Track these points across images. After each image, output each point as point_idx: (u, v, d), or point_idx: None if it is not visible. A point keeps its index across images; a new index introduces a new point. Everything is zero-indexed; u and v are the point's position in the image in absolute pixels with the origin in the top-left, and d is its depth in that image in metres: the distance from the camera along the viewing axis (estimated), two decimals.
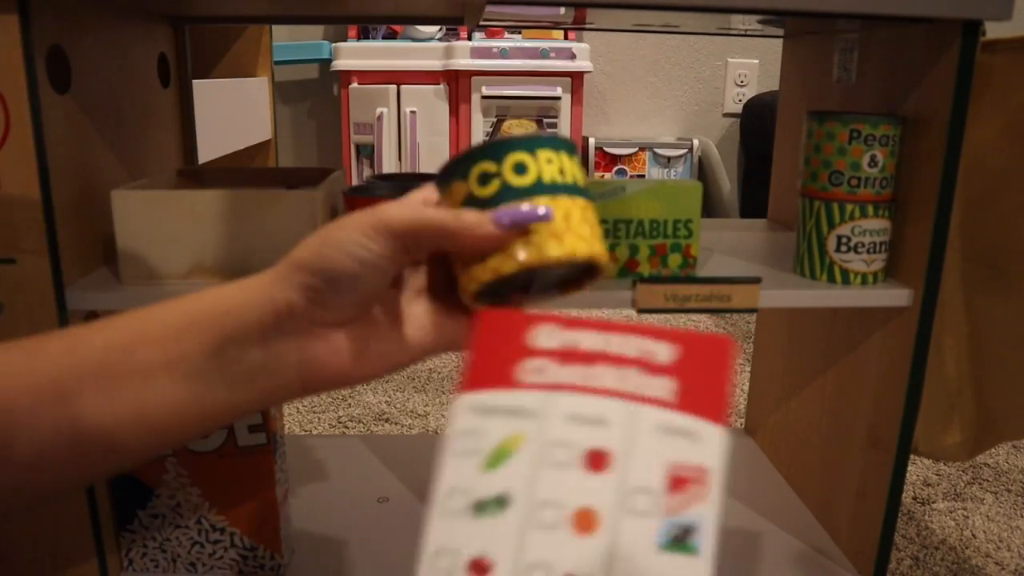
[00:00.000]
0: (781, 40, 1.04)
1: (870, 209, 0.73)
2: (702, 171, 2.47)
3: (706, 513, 0.30)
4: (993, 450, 1.38)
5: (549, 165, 0.41)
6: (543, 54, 2.15)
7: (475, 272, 0.40)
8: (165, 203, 0.70)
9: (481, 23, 0.88)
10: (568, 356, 0.35)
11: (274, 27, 2.26)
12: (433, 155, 2.20)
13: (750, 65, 2.61)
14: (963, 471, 1.31)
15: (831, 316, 0.90)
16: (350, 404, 1.53)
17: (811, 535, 0.91)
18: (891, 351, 0.78)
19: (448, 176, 0.42)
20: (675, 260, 0.75)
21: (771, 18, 0.76)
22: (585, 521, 0.30)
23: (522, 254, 0.39)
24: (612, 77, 2.59)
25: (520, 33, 2.26)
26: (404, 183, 0.82)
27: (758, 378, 1.13)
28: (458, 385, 0.35)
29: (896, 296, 0.74)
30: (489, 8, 0.68)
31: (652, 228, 0.74)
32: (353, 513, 0.92)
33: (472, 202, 0.41)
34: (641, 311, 0.71)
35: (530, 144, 0.41)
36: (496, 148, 0.41)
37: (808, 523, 0.94)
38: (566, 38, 2.27)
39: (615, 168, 2.38)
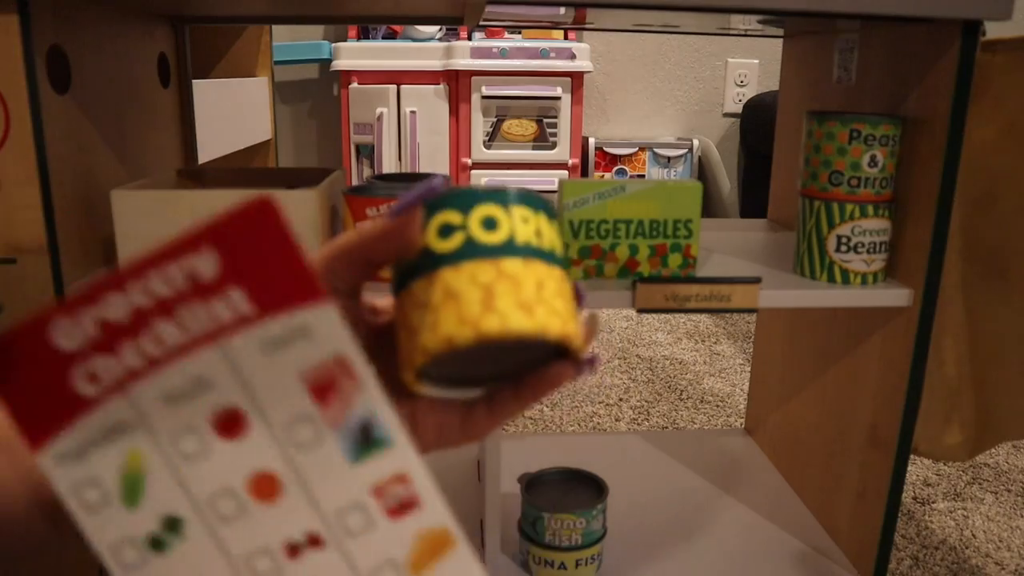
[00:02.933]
0: (781, 40, 1.04)
1: (870, 209, 0.73)
2: (702, 171, 2.47)
3: (370, 403, 0.27)
4: (993, 450, 1.38)
5: (524, 225, 0.36)
6: (543, 54, 2.15)
7: (423, 342, 0.33)
8: (165, 203, 0.70)
9: (481, 23, 0.87)
10: (108, 339, 0.26)
11: (274, 27, 2.26)
12: (433, 155, 2.20)
13: (750, 65, 2.61)
14: (963, 471, 1.31)
15: (831, 316, 0.90)
16: None
17: (811, 535, 0.91)
18: (891, 351, 0.78)
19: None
20: (675, 260, 0.75)
21: (771, 18, 0.76)
22: (265, 487, 0.27)
23: (482, 322, 0.32)
24: (612, 77, 2.59)
25: (520, 33, 2.26)
26: (404, 183, 0.82)
27: (758, 378, 1.13)
28: (30, 449, 0.27)
29: (896, 296, 0.74)
30: (489, 8, 0.68)
31: (652, 228, 0.74)
32: None
33: (427, 257, 0.35)
34: (641, 311, 0.71)
35: (504, 198, 0.36)
36: (464, 197, 0.36)
37: (808, 523, 0.94)
38: (566, 38, 2.27)
39: (615, 168, 2.38)
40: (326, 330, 0.26)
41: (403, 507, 0.27)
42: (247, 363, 0.26)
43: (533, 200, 0.37)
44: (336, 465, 0.27)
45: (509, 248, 0.35)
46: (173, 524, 0.27)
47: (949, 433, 0.80)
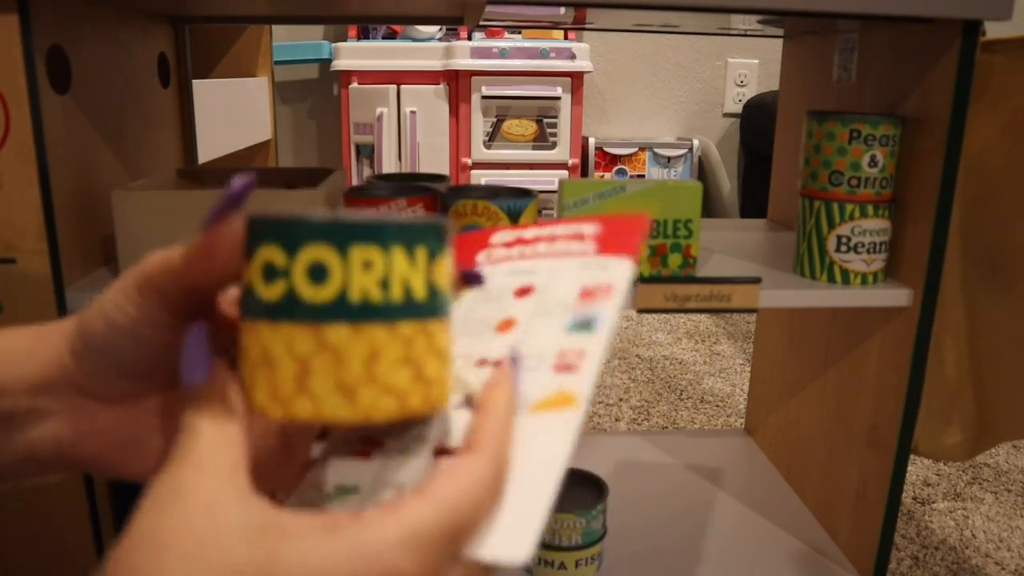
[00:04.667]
0: (781, 40, 1.04)
1: (870, 209, 0.73)
2: (702, 171, 2.47)
3: (607, 308, 0.35)
4: (993, 450, 1.38)
5: (365, 273, 0.29)
6: (543, 54, 2.15)
7: (246, 393, 0.30)
8: (165, 203, 0.70)
9: (481, 23, 0.88)
10: (513, 243, 0.42)
11: (274, 27, 2.26)
12: (433, 155, 2.20)
13: (750, 65, 2.61)
14: (963, 471, 1.31)
15: (831, 316, 0.90)
16: None
17: (811, 535, 0.91)
18: (891, 351, 0.78)
19: (247, 245, 0.30)
20: (675, 260, 0.75)
21: (771, 18, 0.76)
22: (506, 325, 0.37)
23: (293, 405, 0.29)
24: (612, 77, 2.59)
25: (520, 33, 2.26)
26: (404, 183, 0.82)
27: (758, 378, 1.13)
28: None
29: (896, 296, 0.74)
30: (489, 8, 0.68)
31: (652, 228, 0.74)
32: None
33: (250, 298, 0.29)
34: (641, 311, 0.71)
35: (340, 234, 0.28)
36: (290, 229, 0.28)
37: (808, 523, 0.94)
38: (566, 38, 2.27)
39: (615, 168, 2.38)
40: (619, 270, 0.37)
41: (567, 367, 0.34)
42: (564, 269, 0.39)
43: (385, 232, 0.29)
44: (557, 328, 0.35)
45: (336, 310, 0.29)
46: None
47: (949, 433, 0.80)
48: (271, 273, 0.29)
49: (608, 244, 0.39)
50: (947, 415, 0.79)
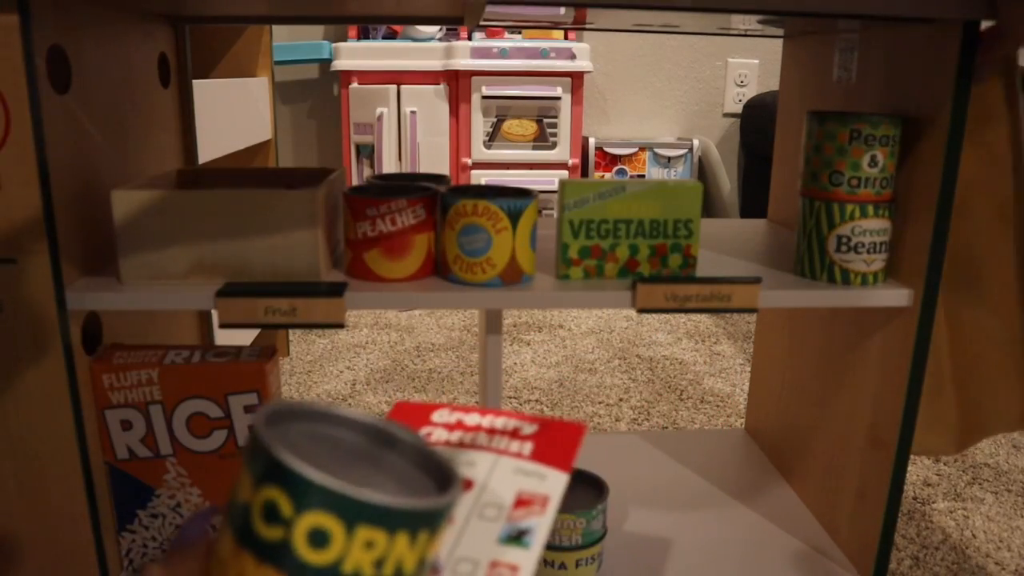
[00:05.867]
0: (781, 40, 1.04)
1: (870, 209, 0.73)
2: (702, 171, 2.47)
3: (541, 524, 0.37)
4: (993, 450, 1.38)
5: (365, 551, 0.29)
6: (543, 54, 2.15)
7: None
8: (165, 203, 0.70)
9: (481, 23, 0.87)
10: (454, 426, 0.43)
11: (274, 27, 2.26)
12: (433, 155, 2.20)
13: (750, 65, 2.61)
14: (963, 471, 1.31)
15: (831, 316, 0.90)
16: (350, 404, 1.53)
17: (811, 535, 0.91)
18: (891, 351, 0.78)
19: (256, 463, 0.30)
20: (675, 260, 0.75)
21: (771, 18, 0.76)
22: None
23: None
24: (612, 77, 2.59)
25: (520, 33, 2.26)
26: (404, 183, 0.82)
27: (758, 378, 1.13)
28: None
29: (896, 296, 0.74)
30: (489, 8, 0.68)
31: (652, 228, 0.74)
32: None
33: (243, 522, 0.29)
34: (641, 311, 0.71)
35: (351, 510, 0.28)
36: (305, 487, 0.28)
37: (808, 523, 0.94)
38: (566, 38, 2.27)
39: (615, 168, 2.38)
40: (554, 483, 0.39)
41: None
42: (502, 468, 0.40)
43: (396, 517, 0.29)
44: (491, 537, 0.36)
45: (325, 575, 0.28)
46: None
47: (934, 432, 0.81)
48: (272, 516, 0.28)
49: (545, 450, 0.41)
50: (930, 419, 0.80)
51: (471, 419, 0.44)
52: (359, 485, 0.29)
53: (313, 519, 0.28)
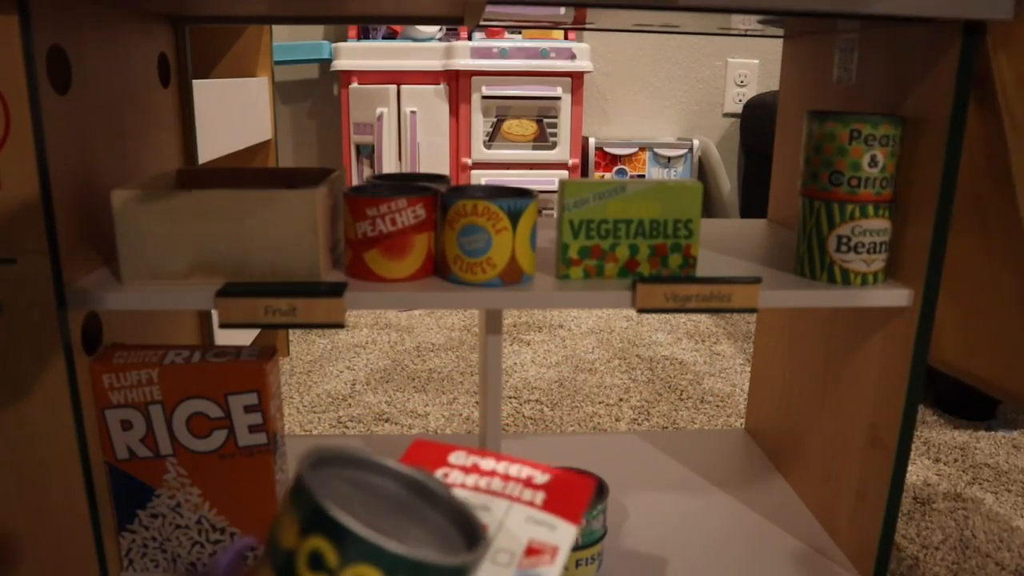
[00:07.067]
0: (781, 40, 1.04)
1: (870, 209, 0.73)
2: (702, 171, 2.47)
3: (549, 571, 0.38)
4: (993, 450, 1.38)
5: None
6: (543, 54, 2.15)
7: None
8: (165, 203, 0.70)
9: (481, 23, 0.87)
10: (471, 470, 0.45)
11: (274, 27, 2.26)
12: (433, 155, 2.20)
13: (750, 65, 2.61)
14: (963, 471, 1.31)
15: (831, 316, 0.90)
16: (350, 404, 1.53)
17: (811, 535, 0.91)
18: (891, 351, 0.78)
19: (304, 508, 0.32)
20: (675, 260, 0.75)
21: (771, 18, 0.76)
22: None
23: None
24: (612, 77, 2.59)
25: (520, 33, 2.26)
26: (404, 183, 0.82)
27: (758, 378, 1.13)
28: None
29: (896, 296, 0.74)
30: (489, 8, 0.68)
31: (652, 228, 0.74)
32: None
33: (287, 567, 0.31)
34: (641, 311, 0.71)
35: (392, 563, 0.30)
36: (351, 539, 0.30)
37: (808, 523, 0.94)
38: (566, 38, 2.27)
39: (615, 168, 2.38)
40: (564, 534, 0.40)
41: None
42: (514, 516, 0.41)
43: (433, 572, 0.30)
44: None
45: None
46: None
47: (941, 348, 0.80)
48: (317, 564, 0.30)
49: (555, 501, 0.43)
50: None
51: (486, 464, 0.45)
52: (396, 535, 0.31)
53: (357, 571, 0.30)
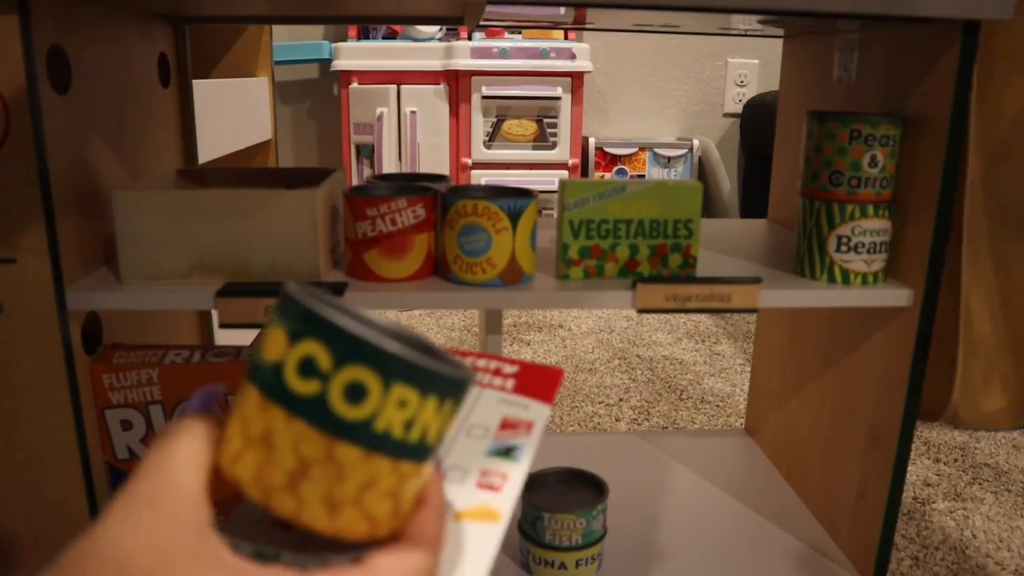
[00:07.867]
0: (781, 40, 1.04)
1: (870, 209, 0.73)
2: (702, 171, 2.47)
3: (528, 443, 0.39)
4: (993, 450, 1.38)
5: (398, 410, 0.29)
6: (543, 54, 2.15)
7: (224, 458, 0.30)
8: (165, 203, 0.70)
9: (481, 23, 0.87)
10: None
11: (274, 27, 2.26)
12: (433, 155, 2.19)
13: (750, 65, 2.61)
14: (963, 471, 1.31)
15: (831, 316, 0.90)
16: None
17: (811, 535, 0.91)
18: (891, 351, 0.78)
19: (293, 319, 0.29)
20: (675, 260, 0.75)
21: (771, 18, 0.76)
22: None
23: (276, 497, 0.29)
24: (612, 77, 2.59)
25: (520, 33, 2.26)
26: (404, 183, 0.82)
27: (758, 378, 1.13)
28: None
29: (896, 296, 0.74)
30: (489, 8, 0.68)
31: (652, 228, 0.74)
32: None
33: (274, 377, 0.29)
34: (641, 311, 0.71)
35: (389, 366, 0.28)
36: (346, 341, 0.28)
37: (808, 523, 0.94)
38: (566, 38, 2.26)
39: (615, 168, 2.38)
40: (537, 412, 0.41)
41: (489, 487, 0.36)
42: (486, 398, 0.42)
43: (430, 380, 0.29)
44: (478, 451, 0.38)
45: (357, 432, 0.29)
46: None
47: (989, 396, 0.77)
48: (309, 370, 0.28)
49: (527, 386, 0.43)
50: (985, 376, 0.77)
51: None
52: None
53: (352, 373, 0.28)
